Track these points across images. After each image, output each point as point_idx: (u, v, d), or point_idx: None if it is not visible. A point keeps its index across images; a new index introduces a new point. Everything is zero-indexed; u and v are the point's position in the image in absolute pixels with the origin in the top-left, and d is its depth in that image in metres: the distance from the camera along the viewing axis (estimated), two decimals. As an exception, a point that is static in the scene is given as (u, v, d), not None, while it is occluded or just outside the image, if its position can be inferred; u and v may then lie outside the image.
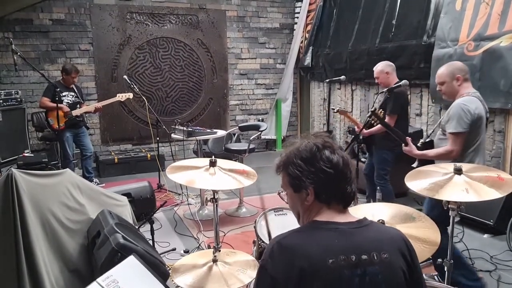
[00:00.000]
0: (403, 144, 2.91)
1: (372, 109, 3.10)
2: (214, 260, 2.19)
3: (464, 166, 2.09)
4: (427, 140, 2.90)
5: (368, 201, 4.12)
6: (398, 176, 3.59)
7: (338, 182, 1.23)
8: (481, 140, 2.62)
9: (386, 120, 3.70)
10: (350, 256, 1.13)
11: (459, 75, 2.66)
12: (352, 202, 1.29)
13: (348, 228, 1.20)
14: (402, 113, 3.81)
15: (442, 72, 2.74)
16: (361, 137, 3.90)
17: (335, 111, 4.14)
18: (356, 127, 4.16)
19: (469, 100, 2.59)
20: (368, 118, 3.20)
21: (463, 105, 2.56)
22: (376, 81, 3.98)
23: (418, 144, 2.86)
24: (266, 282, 1.15)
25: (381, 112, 3.25)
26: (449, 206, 2.08)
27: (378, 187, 4.01)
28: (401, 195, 4.42)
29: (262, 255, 1.21)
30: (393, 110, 3.71)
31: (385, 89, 3.86)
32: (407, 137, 2.90)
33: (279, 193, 1.41)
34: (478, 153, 2.63)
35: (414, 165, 2.80)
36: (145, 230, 3.35)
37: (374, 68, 3.95)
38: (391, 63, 3.94)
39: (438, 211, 2.31)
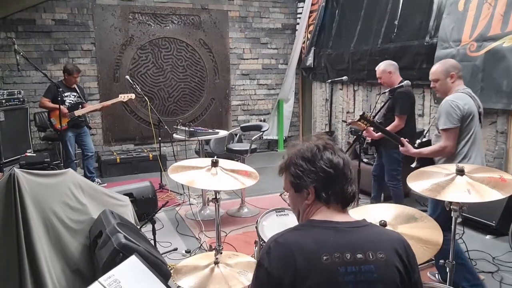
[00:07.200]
0: (399, 145, 2.89)
1: (361, 113, 3.05)
2: (216, 262, 2.19)
3: (466, 167, 2.09)
4: (424, 139, 2.91)
5: (372, 203, 4.05)
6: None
7: (338, 182, 1.25)
8: (475, 135, 2.63)
9: (396, 121, 3.68)
10: (345, 253, 1.15)
11: (453, 72, 2.68)
12: (352, 203, 1.30)
13: (345, 227, 1.22)
14: (410, 113, 3.77)
15: (436, 69, 2.75)
16: (369, 140, 3.82)
17: (347, 123, 3.99)
18: (365, 132, 3.70)
19: (458, 97, 2.61)
20: (358, 122, 3.07)
21: (451, 102, 2.59)
22: (379, 81, 3.91)
23: (415, 145, 2.86)
24: (263, 278, 1.16)
25: (371, 115, 3.15)
26: (451, 207, 2.08)
27: (390, 188, 3.92)
28: (404, 195, 4.40)
29: (260, 254, 1.21)
30: (402, 111, 3.67)
31: (387, 90, 3.84)
32: (402, 138, 2.87)
33: (281, 195, 1.42)
34: (473, 147, 2.63)
35: (413, 165, 2.81)
36: (146, 230, 3.35)
37: (376, 68, 3.89)
38: (393, 62, 3.89)
39: (441, 210, 2.32)
